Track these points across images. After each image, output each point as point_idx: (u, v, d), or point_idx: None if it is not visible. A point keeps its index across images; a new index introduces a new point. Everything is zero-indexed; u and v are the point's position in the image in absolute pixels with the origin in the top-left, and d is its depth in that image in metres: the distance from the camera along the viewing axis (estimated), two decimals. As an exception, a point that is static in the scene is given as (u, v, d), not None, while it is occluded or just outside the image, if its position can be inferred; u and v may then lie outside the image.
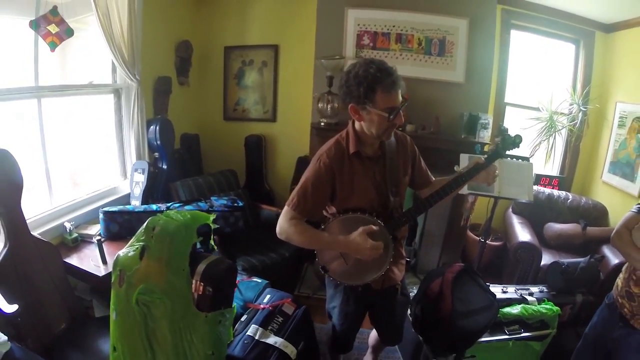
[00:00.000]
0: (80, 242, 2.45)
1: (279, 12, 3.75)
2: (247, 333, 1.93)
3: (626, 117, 3.46)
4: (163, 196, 3.04)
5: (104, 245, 2.28)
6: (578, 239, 3.35)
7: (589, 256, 2.71)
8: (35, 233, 2.10)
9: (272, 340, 1.92)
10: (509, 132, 1.66)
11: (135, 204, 2.85)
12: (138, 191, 2.88)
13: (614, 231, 1.75)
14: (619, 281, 1.78)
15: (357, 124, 1.58)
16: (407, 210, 1.66)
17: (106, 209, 2.56)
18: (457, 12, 3.23)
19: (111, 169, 3.05)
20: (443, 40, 3.27)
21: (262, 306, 2.11)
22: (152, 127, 3.05)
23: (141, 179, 2.88)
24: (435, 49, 3.29)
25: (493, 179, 1.66)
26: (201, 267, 1.62)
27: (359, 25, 3.29)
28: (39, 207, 2.40)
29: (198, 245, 1.85)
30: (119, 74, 2.83)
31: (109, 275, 2.10)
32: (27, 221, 2.03)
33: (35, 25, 2.17)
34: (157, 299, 1.57)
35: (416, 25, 3.25)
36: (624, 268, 1.79)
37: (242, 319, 2.04)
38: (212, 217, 1.76)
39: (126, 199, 2.93)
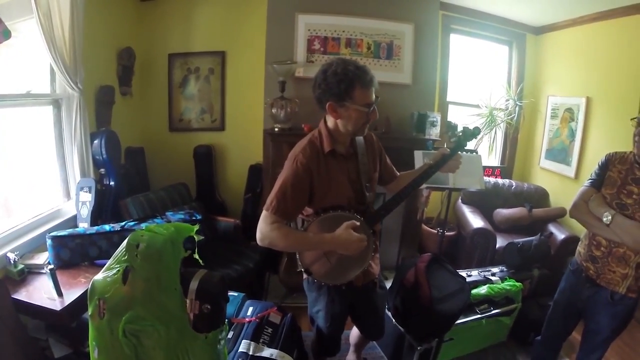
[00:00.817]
0: (27, 274, 2.15)
1: (226, 18, 3.66)
2: (240, 349, 1.84)
3: (558, 109, 3.85)
4: (113, 215, 2.81)
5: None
6: (525, 221, 3.66)
7: (539, 234, 2.98)
8: (-25, 268, 1.84)
9: (268, 352, 1.85)
10: (456, 130, 1.81)
11: (84, 225, 2.60)
12: (85, 212, 2.63)
13: (572, 204, 1.93)
14: (581, 248, 1.97)
15: (330, 123, 1.61)
16: (384, 203, 1.71)
17: (54, 233, 2.30)
18: (403, 18, 3.38)
19: (53, 189, 2.75)
20: (391, 44, 3.40)
21: (247, 319, 2.02)
22: (96, 140, 2.81)
23: (88, 198, 2.63)
24: (384, 52, 3.41)
25: (457, 167, 1.81)
26: (194, 284, 1.51)
27: (309, 30, 3.32)
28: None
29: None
30: (59, 82, 2.58)
31: (66, 308, 1.91)
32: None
33: (-30, 24, 1.92)
34: (149, 326, 1.42)
35: (365, 30, 3.36)
36: (582, 236, 1.99)
37: (229, 335, 1.94)
38: (196, 227, 1.66)
39: (72, 221, 2.67)
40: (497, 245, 3.35)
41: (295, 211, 1.62)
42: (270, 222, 1.54)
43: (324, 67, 1.55)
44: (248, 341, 1.88)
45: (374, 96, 1.55)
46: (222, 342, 1.62)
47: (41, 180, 2.72)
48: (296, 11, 3.28)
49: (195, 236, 1.65)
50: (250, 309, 2.11)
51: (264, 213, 1.57)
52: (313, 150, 1.60)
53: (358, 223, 1.55)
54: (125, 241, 1.53)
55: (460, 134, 1.81)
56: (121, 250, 1.53)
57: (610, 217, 1.73)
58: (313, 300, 1.84)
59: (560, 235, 3.29)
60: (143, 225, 2.56)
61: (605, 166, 1.87)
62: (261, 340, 1.91)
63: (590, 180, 1.91)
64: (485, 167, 4.13)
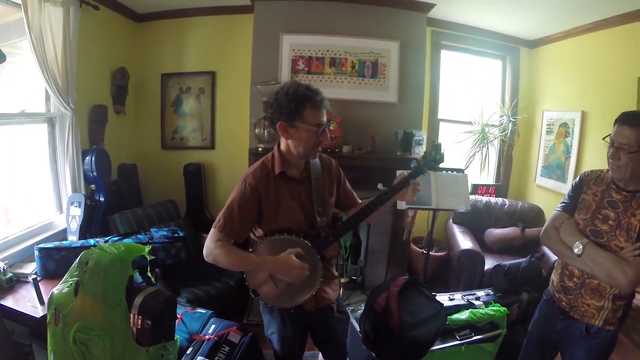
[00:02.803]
0: (15, 282, 2.28)
1: (215, 39, 3.77)
2: (194, 365, 1.87)
3: (553, 124, 3.79)
4: (101, 230, 2.92)
5: (41, 285, 2.16)
6: (518, 241, 3.56)
7: (529, 256, 2.86)
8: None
9: (220, 370, 1.87)
10: (439, 149, 1.74)
11: (73, 239, 2.73)
12: (75, 226, 2.75)
13: (543, 230, 1.81)
14: (554, 277, 1.84)
15: (283, 145, 1.63)
16: (333, 229, 1.69)
17: (41, 245, 2.42)
18: (388, 36, 3.39)
19: (46, 203, 2.90)
20: (375, 63, 3.41)
21: (207, 337, 2.04)
22: (87, 157, 2.95)
23: (78, 212, 2.76)
24: (369, 71, 3.43)
25: (413, 194, 1.71)
26: (138, 300, 1.58)
27: (293, 50, 3.38)
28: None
29: (140, 279, 1.80)
30: (53, 102, 2.73)
31: (46, 316, 2.01)
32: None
33: (-33, 49, 2.08)
34: (95, 337, 1.52)
35: (349, 49, 3.38)
36: (556, 264, 1.86)
37: (188, 351, 1.97)
38: (148, 248, 1.73)
39: (63, 234, 2.80)
40: (486, 267, 3.27)
41: (242, 231, 1.63)
42: (216, 239, 1.57)
43: (277, 89, 1.58)
44: (203, 358, 1.90)
45: (324, 118, 1.56)
46: (170, 356, 1.67)
47: (36, 194, 2.86)
48: (281, 32, 3.34)
49: (147, 256, 1.71)
50: (213, 326, 2.13)
51: (211, 230, 1.61)
52: (263, 172, 1.62)
53: (302, 251, 1.56)
54: (78, 258, 1.63)
55: (420, 159, 1.73)
56: (74, 266, 1.63)
57: (581, 247, 1.59)
58: (267, 323, 1.84)
59: (553, 257, 3.13)
60: (126, 240, 2.66)
61: (579, 188, 1.73)
62: (216, 358, 1.93)
63: (562, 204, 1.78)
64: (478, 186, 4.08)
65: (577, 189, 1.74)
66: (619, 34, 3.07)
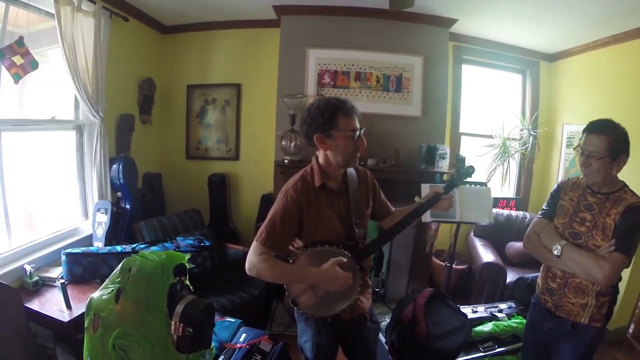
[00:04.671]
0: (41, 286, 2.32)
1: (241, 51, 3.83)
2: (227, 374, 1.88)
3: (573, 137, 3.79)
4: (127, 237, 2.95)
5: (67, 289, 2.19)
6: (538, 254, 3.54)
7: (551, 269, 2.87)
8: (-8, 276, 1.99)
9: (253, 378, 1.88)
10: (464, 163, 1.80)
11: (98, 245, 2.76)
12: (101, 232, 2.79)
13: (525, 237, 1.90)
14: (539, 280, 1.92)
15: (321, 158, 1.65)
16: (372, 240, 1.72)
17: (69, 250, 2.46)
18: (412, 50, 3.45)
19: (72, 209, 2.94)
20: (400, 77, 3.46)
21: (238, 345, 2.05)
22: (115, 165, 3.00)
23: (104, 219, 2.79)
24: (393, 85, 3.47)
25: (450, 206, 1.78)
26: (180, 308, 1.59)
27: (319, 64, 3.43)
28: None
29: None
30: (82, 110, 2.79)
31: (73, 320, 2.05)
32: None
33: (1, 54, 2.13)
34: (135, 343, 1.53)
35: (374, 64, 3.44)
36: (541, 268, 1.93)
37: (220, 359, 1.98)
38: (188, 256, 1.75)
39: (88, 240, 2.83)
40: (507, 280, 3.26)
41: (284, 243, 1.66)
42: (259, 253, 1.59)
43: (308, 105, 1.63)
44: (236, 366, 1.91)
45: (358, 124, 1.59)
46: (206, 364, 1.68)
47: (62, 199, 2.91)
48: (307, 46, 3.40)
49: (186, 264, 1.73)
50: (244, 335, 2.14)
51: (254, 244, 1.62)
52: (304, 185, 1.64)
53: (345, 260, 1.58)
54: (120, 264, 1.65)
55: (454, 172, 1.81)
56: (116, 272, 1.65)
57: (560, 248, 1.69)
58: (302, 331, 1.85)
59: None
60: (153, 248, 2.69)
61: (557, 195, 1.85)
62: (248, 367, 1.94)
63: (542, 211, 1.89)
64: (499, 199, 4.07)
65: (555, 196, 1.87)
66: (638, 46, 3.09)
